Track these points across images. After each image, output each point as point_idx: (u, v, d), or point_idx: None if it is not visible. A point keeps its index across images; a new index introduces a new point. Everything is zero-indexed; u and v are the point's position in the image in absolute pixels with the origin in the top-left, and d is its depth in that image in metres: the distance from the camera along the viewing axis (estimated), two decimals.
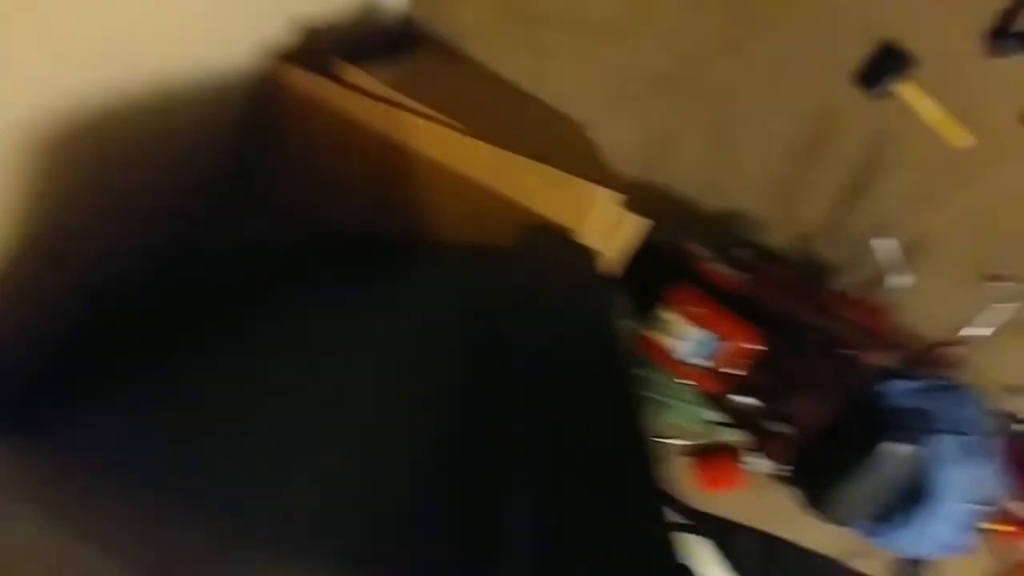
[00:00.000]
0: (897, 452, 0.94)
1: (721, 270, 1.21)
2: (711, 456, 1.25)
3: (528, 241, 0.84)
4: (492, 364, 0.57)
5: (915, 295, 1.57)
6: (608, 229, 0.90)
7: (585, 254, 0.84)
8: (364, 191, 0.93)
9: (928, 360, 1.41)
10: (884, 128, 1.42)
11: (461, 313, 0.70)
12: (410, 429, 0.50)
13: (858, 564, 2.07)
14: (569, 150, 1.13)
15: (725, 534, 1.92)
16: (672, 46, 1.39)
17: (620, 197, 0.85)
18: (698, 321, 1.12)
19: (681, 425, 1.81)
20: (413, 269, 0.85)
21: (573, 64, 1.42)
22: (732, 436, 1.21)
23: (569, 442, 0.48)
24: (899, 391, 1.03)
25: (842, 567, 2.05)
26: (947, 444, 0.98)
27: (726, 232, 1.46)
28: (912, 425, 0.98)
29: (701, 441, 1.81)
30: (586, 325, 0.67)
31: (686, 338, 1.13)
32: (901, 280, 1.56)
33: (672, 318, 1.15)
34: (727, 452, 1.21)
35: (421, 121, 0.88)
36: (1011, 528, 1.20)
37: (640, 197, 1.49)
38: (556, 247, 0.84)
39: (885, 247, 1.52)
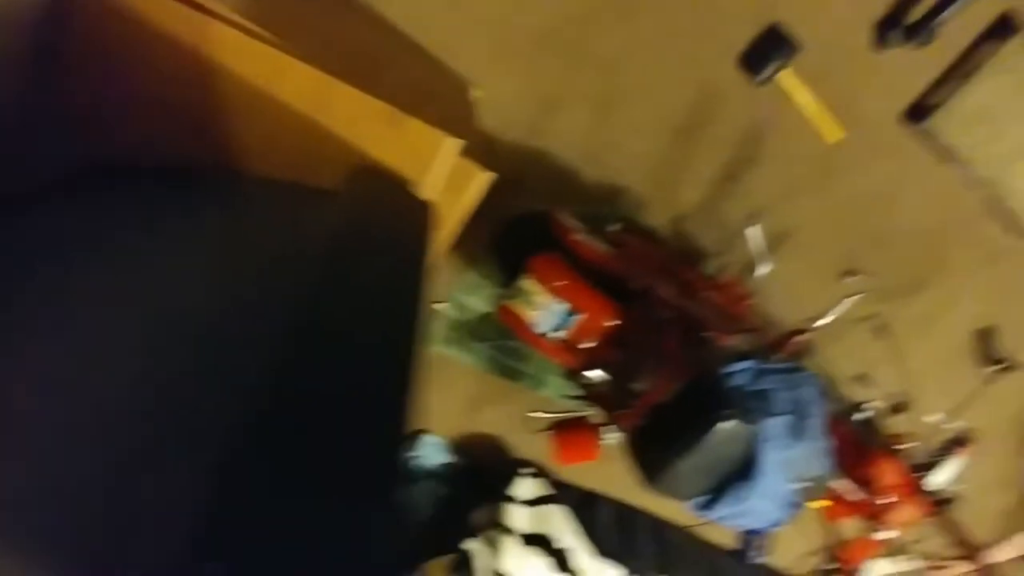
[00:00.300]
0: (729, 430, 0.95)
1: (589, 243, 1.18)
2: (567, 429, 1.22)
3: (354, 184, 0.74)
4: (255, 322, 0.48)
5: (777, 283, 1.64)
6: (451, 182, 0.82)
7: (418, 207, 0.75)
8: (169, 111, 0.78)
9: (779, 346, 1.47)
10: (763, 117, 1.43)
11: (250, 258, 0.60)
12: (117, 386, 0.41)
13: (707, 533, 2.21)
14: (432, 100, 1.02)
15: (584, 504, 1.98)
16: (564, 3, 1.32)
17: (461, 144, 0.77)
18: (557, 293, 1.08)
19: (552, 399, 1.81)
20: (213, 204, 0.73)
21: (458, 11, 1.31)
22: (588, 410, 1.20)
23: (310, 422, 0.41)
24: (742, 372, 1.05)
25: (692, 536, 2.18)
26: (779, 424, 1.01)
27: (603, 206, 1.43)
28: (748, 405, 0.99)
29: (568, 415, 1.82)
30: (390, 288, 0.59)
31: (544, 309, 1.09)
32: (763, 268, 1.61)
33: (532, 288, 1.10)
34: (583, 425, 1.19)
35: (233, 33, 0.74)
36: (836, 506, 1.28)
37: (518, 162, 1.43)
38: (386, 195, 0.75)
39: (754, 235, 1.57)
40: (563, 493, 1.89)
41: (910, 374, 1.82)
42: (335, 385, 0.44)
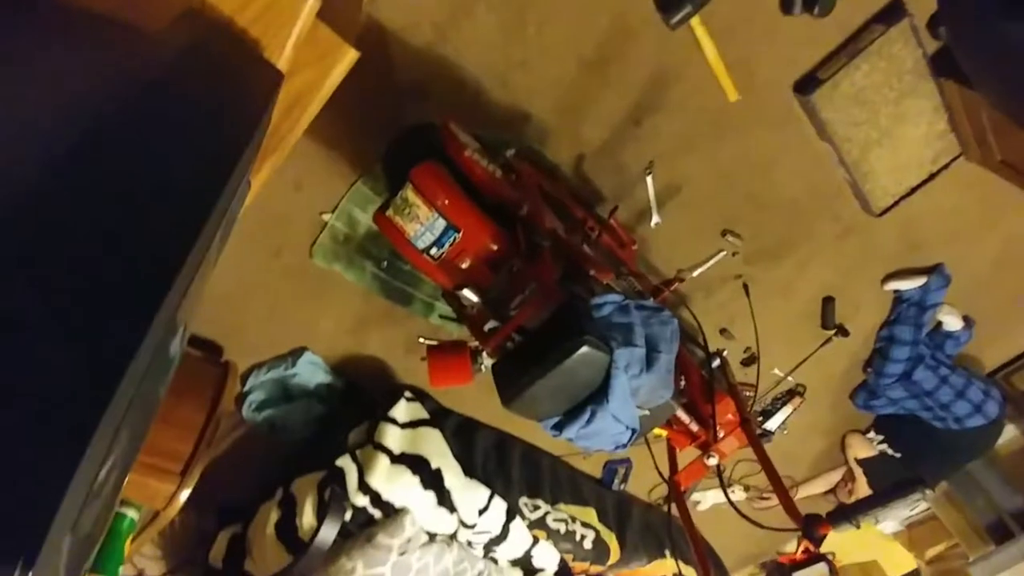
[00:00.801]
0: (586, 355, 1.00)
1: (480, 162, 1.15)
2: (443, 352, 1.23)
3: (181, 30, 0.65)
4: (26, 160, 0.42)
5: (661, 233, 1.73)
6: (310, 54, 0.74)
7: (257, 72, 0.67)
8: None
9: (654, 291, 1.56)
10: (671, 64, 1.45)
11: (37, 87, 0.52)
12: None
13: (576, 464, 2.40)
14: None
15: (464, 429, 2.05)
16: None
17: (318, 4, 0.69)
18: (437, 207, 1.05)
19: (441, 323, 1.81)
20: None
21: None
22: (461, 331, 1.21)
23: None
24: (608, 304, 1.09)
25: (563, 465, 2.36)
26: (633, 355, 1.07)
27: (504, 131, 1.40)
28: (608, 335, 1.04)
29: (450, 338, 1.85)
30: (198, 153, 0.53)
31: (423, 223, 1.06)
32: (655, 218, 1.69)
33: (413, 200, 1.06)
34: (458, 349, 1.19)
35: None
36: (675, 434, 1.42)
37: (421, 68, 1.35)
38: (217, 49, 0.66)
39: (650, 184, 1.62)
40: (443, 418, 1.94)
41: (764, 331, 2.02)
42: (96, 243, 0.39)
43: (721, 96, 1.51)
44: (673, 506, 1.45)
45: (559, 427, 1.11)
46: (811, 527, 1.04)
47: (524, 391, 1.03)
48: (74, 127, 0.42)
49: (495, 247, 1.10)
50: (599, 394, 1.06)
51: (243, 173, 0.59)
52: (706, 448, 1.39)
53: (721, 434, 1.38)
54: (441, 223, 1.06)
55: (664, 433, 1.36)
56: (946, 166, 1.62)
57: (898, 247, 1.89)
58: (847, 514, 1.03)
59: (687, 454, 1.46)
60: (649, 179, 1.62)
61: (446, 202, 1.06)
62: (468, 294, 1.09)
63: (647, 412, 1.16)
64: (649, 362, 1.10)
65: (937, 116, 1.52)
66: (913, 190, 1.65)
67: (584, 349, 0.99)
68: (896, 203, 1.67)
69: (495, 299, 1.12)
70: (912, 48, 1.41)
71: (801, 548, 1.06)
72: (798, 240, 1.85)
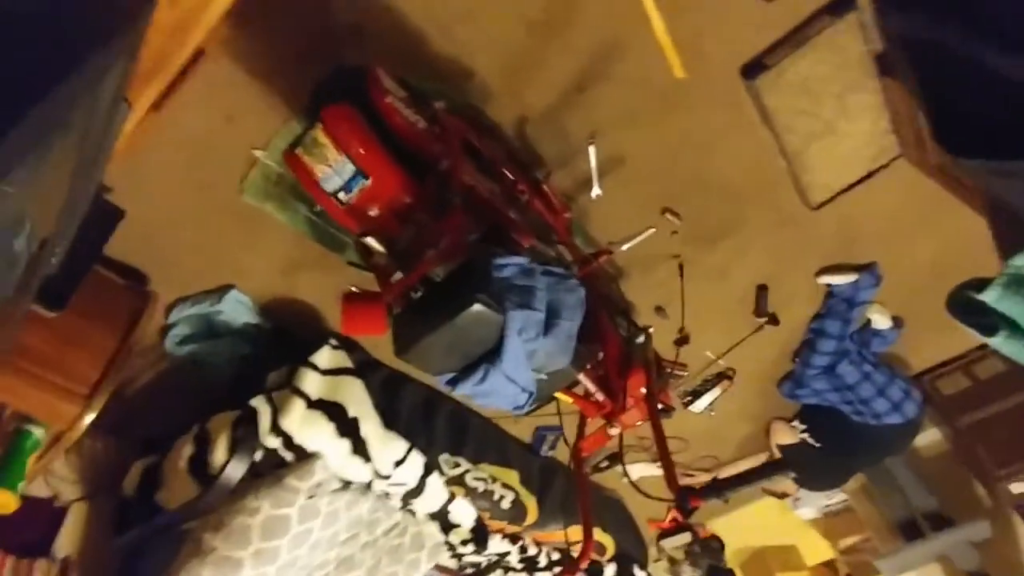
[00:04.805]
0: (479, 314, 1.00)
1: (402, 111, 1.12)
2: (358, 300, 1.21)
3: None
4: None
5: (599, 205, 1.72)
6: None
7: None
8: None
9: (584, 262, 1.56)
10: (619, 34, 1.42)
11: None
12: None
13: (508, 428, 2.44)
14: None
15: (391, 383, 2.06)
16: None
17: None
18: (346, 152, 1.03)
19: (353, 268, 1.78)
20: None
21: None
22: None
23: None
24: (512, 266, 1.09)
25: (493, 427, 2.39)
26: (530, 318, 1.08)
27: (447, 83, 1.36)
28: (506, 296, 1.04)
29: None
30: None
31: (332, 166, 1.04)
32: (595, 190, 1.68)
33: (324, 141, 1.04)
34: (374, 298, 1.18)
35: None
36: (580, 402, 1.45)
37: (360, 7, 1.30)
38: None
39: (592, 154, 1.61)
40: (371, 370, 1.94)
41: (699, 313, 2.05)
42: None
43: (668, 72, 1.49)
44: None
45: (454, 382, 1.12)
46: (684, 498, 1.08)
47: (415, 344, 1.03)
48: None
49: (405, 198, 1.09)
50: (493, 354, 1.06)
51: (96, 86, 0.56)
52: (610, 418, 1.43)
53: (627, 406, 1.41)
54: (350, 168, 1.04)
55: (566, 397, 1.38)
56: (885, 165, 1.63)
57: (835, 242, 1.92)
58: (717, 490, 1.07)
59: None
60: (591, 149, 1.60)
61: (356, 146, 1.03)
62: (371, 242, 1.08)
63: (544, 377, 1.18)
64: (548, 327, 1.11)
65: (880, 114, 1.52)
66: (851, 186, 1.67)
67: (475, 307, 0.99)
68: (833, 198, 1.69)
69: (402, 250, 1.11)
70: (858, 43, 1.40)
71: (669, 517, 1.11)
72: (737, 226, 1.87)
